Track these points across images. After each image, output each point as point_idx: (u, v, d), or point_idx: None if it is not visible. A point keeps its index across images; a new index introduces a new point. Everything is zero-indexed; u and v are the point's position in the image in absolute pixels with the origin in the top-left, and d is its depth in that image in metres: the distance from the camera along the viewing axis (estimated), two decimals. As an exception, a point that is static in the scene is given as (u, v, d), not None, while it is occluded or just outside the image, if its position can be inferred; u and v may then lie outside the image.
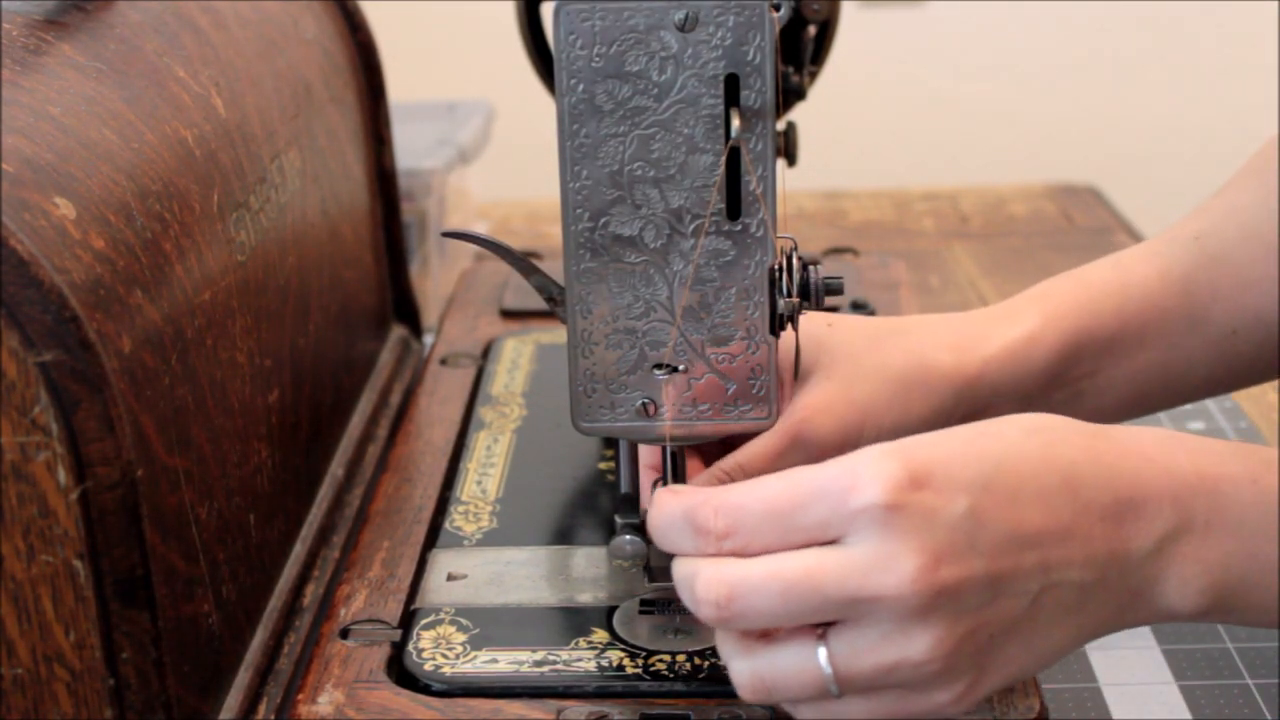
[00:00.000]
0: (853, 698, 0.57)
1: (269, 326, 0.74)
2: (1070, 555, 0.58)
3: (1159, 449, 0.60)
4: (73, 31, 0.67)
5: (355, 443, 0.87)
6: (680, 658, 0.66)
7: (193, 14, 0.76)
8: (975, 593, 0.56)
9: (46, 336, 0.54)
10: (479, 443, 0.84)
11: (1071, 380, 0.73)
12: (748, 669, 0.58)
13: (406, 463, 0.83)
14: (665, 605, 0.69)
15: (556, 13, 0.62)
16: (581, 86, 0.62)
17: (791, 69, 0.87)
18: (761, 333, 0.65)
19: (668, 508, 0.59)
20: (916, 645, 0.56)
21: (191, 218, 0.66)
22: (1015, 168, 2.18)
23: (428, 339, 1.03)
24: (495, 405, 0.88)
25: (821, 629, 0.57)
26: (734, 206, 0.64)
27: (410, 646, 0.67)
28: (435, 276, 1.21)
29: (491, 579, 0.72)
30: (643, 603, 0.70)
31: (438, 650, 0.67)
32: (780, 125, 0.82)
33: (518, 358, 0.94)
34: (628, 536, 0.68)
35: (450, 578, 0.72)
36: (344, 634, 0.68)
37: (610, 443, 0.81)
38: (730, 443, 0.70)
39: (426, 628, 0.68)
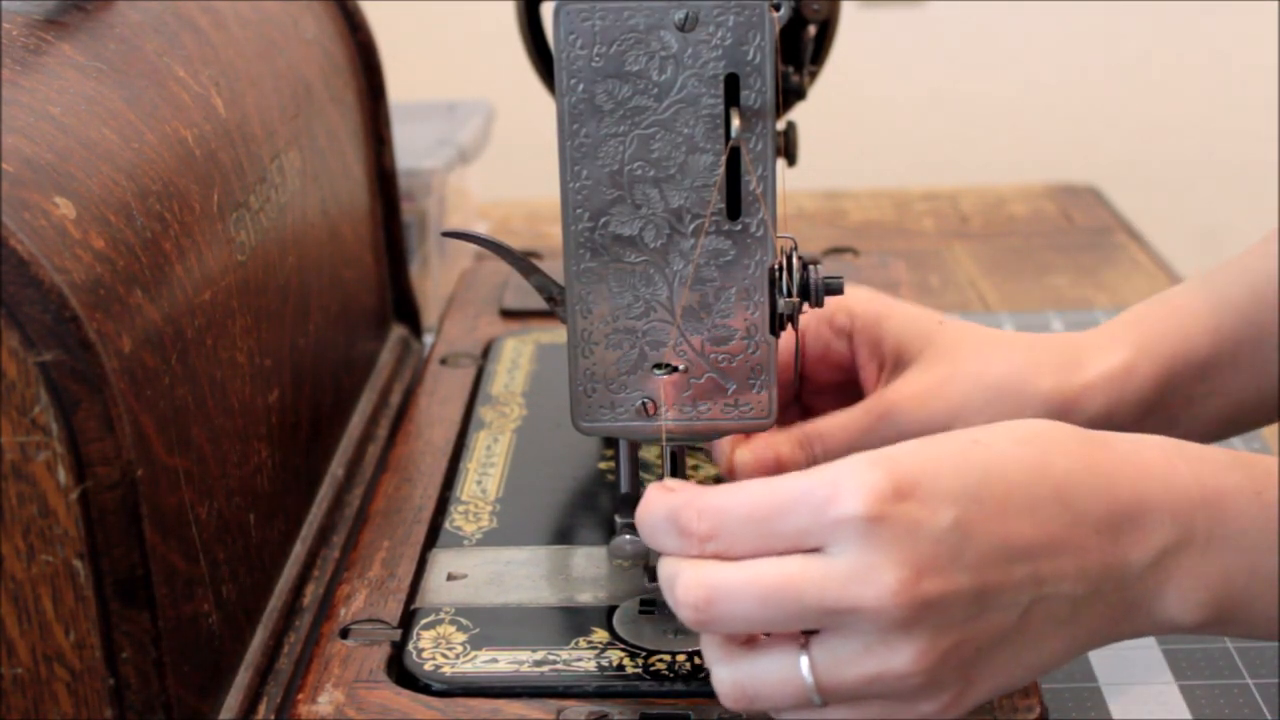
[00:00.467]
0: (836, 707, 0.57)
1: (269, 326, 0.74)
2: (1063, 568, 0.57)
3: (1160, 460, 0.60)
4: (73, 31, 0.67)
5: (355, 442, 0.87)
6: (680, 658, 0.66)
7: (193, 14, 0.76)
8: (960, 606, 0.55)
9: (46, 336, 0.54)
10: (479, 442, 0.84)
11: (1167, 408, 0.72)
12: (729, 676, 0.58)
13: (406, 462, 0.83)
14: (665, 605, 0.69)
15: (556, 13, 0.62)
16: (581, 86, 0.62)
17: (791, 69, 0.87)
18: (761, 333, 0.65)
19: (654, 506, 0.59)
20: (899, 658, 0.55)
21: (191, 218, 0.66)
22: (1015, 168, 2.18)
23: (428, 339, 1.03)
24: (495, 405, 0.88)
25: (805, 637, 0.56)
26: (734, 206, 0.63)
27: (410, 646, 0.67)
28: (435, 276, 1.21)
29: (491, 579, 0.72)
30: (643, 603, 0.70)
31: (438, 650, 0.67)
32: (780, 125, 0.82)
33: (518, 358, 0.94)
34: (628, 536, 0.68)
35: (450, 577, 0.72)
36: (344, 634, 0.68)
37: (610, 443, 0.81)
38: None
39: (426, 627, 0.68)
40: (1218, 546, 0.59)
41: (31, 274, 0.53)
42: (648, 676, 0.65)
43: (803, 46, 0.86)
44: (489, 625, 0.69)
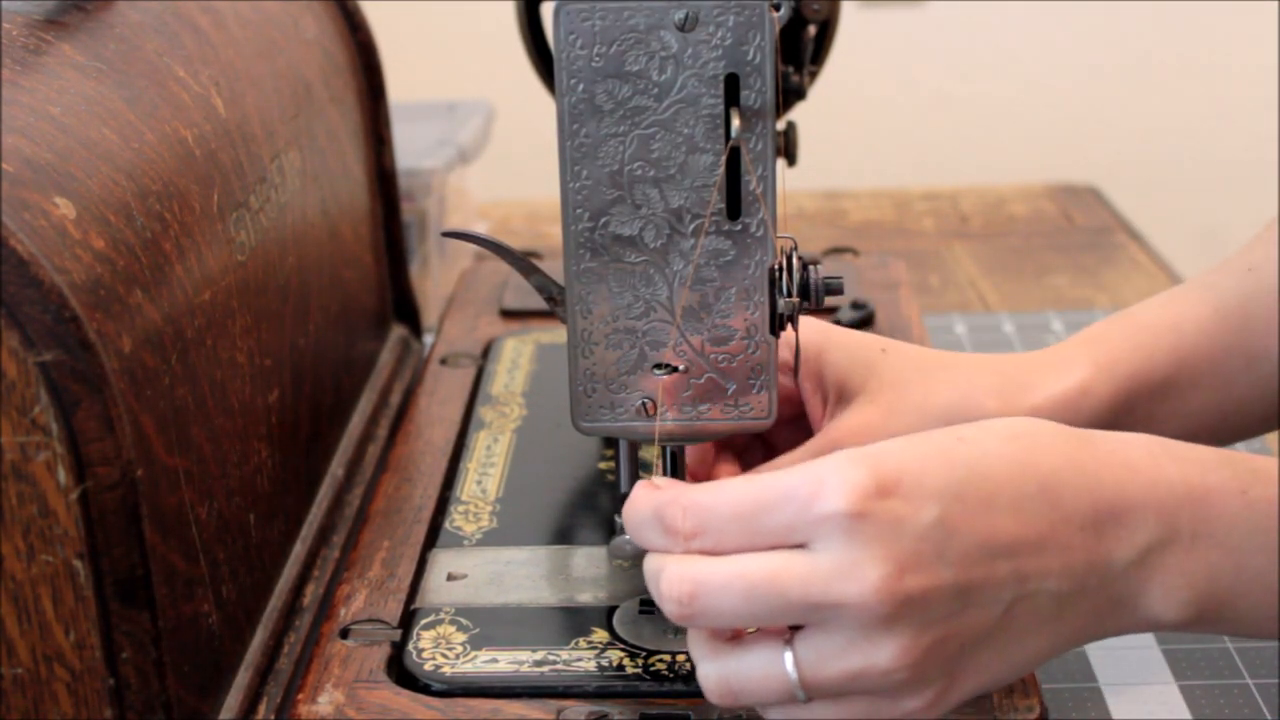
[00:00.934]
0: (820, 703, 0.57)
1: (269, 326, 0.74)
2: (1047, 565, 0.57)
3: (1146, 458, 0.60)
4: (73, 31, 0.67)
5: (355, 443, 0.87)
6: (680, 658, 0.66)
7: (193, 14, 0.76)
8: (943, 603, 0.56)
9: (46, 336, 0.54)
10: (479, 443, 0.84)
11: (1125, 428, 0.70)
12: (715, 671, 0.58)
13: (406, 463, 0.83)
14: (665, 605, 0.69)
15: (556, 13, 0.62)
16: (581, 86, 0.62)
17: (791, 69, 0.87)
18: (761, 333, 0.65)
19: (639, 503, 0.59)
20: (882, 654, 0.55)
21: (191, 218, 0.66)
22: (1015, 168, 2.18)
23: (428, 339, 1.03)
24: (495, 405, 0.88)
25: (790, 633, 0.57)
26: (734, 206, 0.63)
27: (410, 646, 0.67)
28: (435, 276, 1.21)
29: (491, 579, 0.72)
30: (643, 603, 0.70)
31: (438, 650, 0.67)
32: (780, 125, 0.82)
33: (518, 358, 0.94)
34: (628, 536, 0.68)
35: (450, 578, 0.72)
36: (344, 634, 0.68)
37: (610, 443, 0.81)
38: (734, 442, 0.70)
39: (426, 628, 0.68)
40: (1203, 544, 0.59)
41: (31, 274, 0.53)
42: (648, 676, 0.65)
43: (803, 46, 0.86)
44: (489, 625, 0.69)
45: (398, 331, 1.00)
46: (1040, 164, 2.12)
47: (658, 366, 0.65)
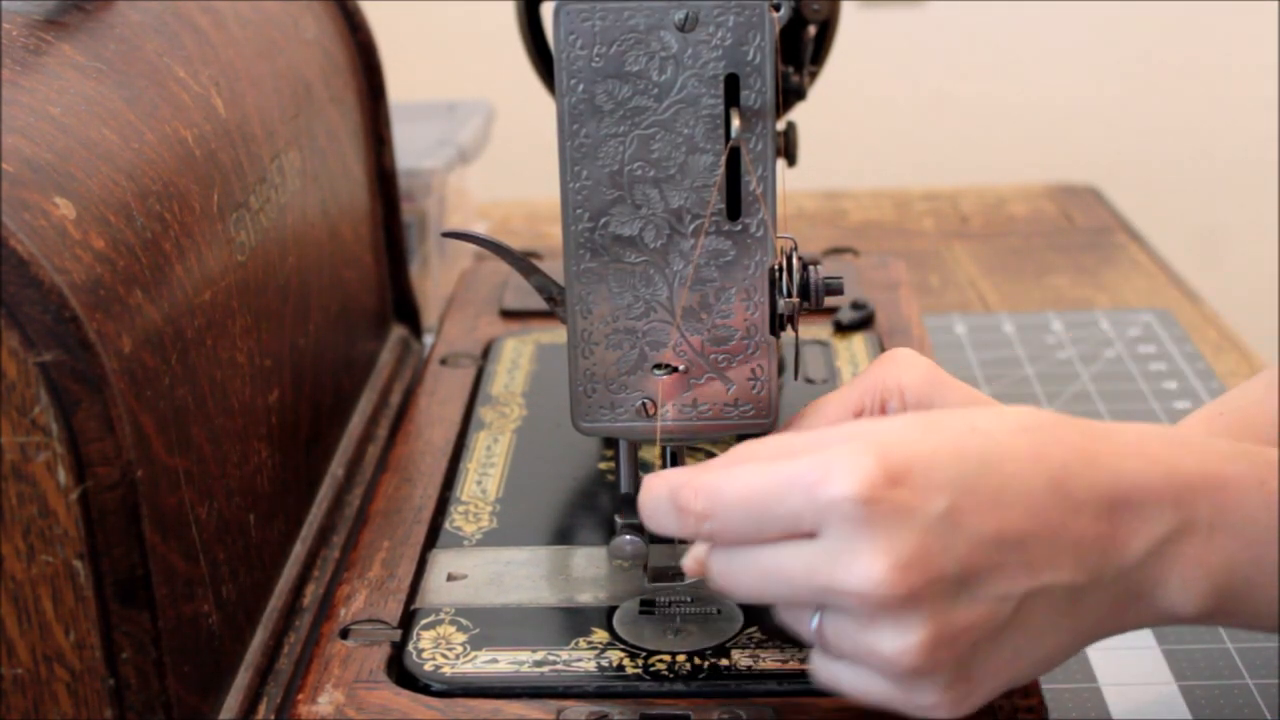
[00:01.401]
0: (846, 665, 0.58)
1: (269, 326, 0.74)
2: (1059, 558, 0.57)
3: (1161, 448, 0.60)
4: (73, 31, 0.67)
5: (355, 443, 0.87)
6: (680, 658, 0.66)
7: (193, 14, 0.76)
8: (949, 595, 0.55)
9: (46, 336, 0.54)
10: (479, 443, 0.84)
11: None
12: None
13: (406, 463, 0.83)
14: (665, 605, 0.69)
15: (556, 13, 0.62)
16: (581, 86, 0.62)
17: (791, 69, 0.87)
18: (761, 333, 0.65)
19: (654, 487, 0.59)
20: (887, 643, 0.55)
21: (191, 218, 0.66)
22: (1015, 168, 2.18)
23: (428, 339, 1.03)
24: (495, 405, 0.88)
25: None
26: (734, 206, 0.64)
27: (410, 646, 0.67)
28: (435, 276, 1.21)
29: (491, 579, 0.72)
30: (643, 603, 0.70)
31: (438, 650, 0.67)
32: (780, 125, 0.82)
33: (518, 358, 0.94)
34: (628, 536, 0.68)
35: (450, 578, 0.72)
36: (344, 634, 0.68)
37: (610, 443, 0.81)
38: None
39: (426, 628, 0.68)
40: (1221, 535, 0.58)
41: (31, 274, 0.53)
42: (648, 676, 0.65)
43: (803, 46, 0.86)
44: (489, 625, 0.69)
45: (398, 331, 1.00)
46: (1040, 164, 2.12)
47: (658, 367, 0.65)
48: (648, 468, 0.79)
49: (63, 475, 0.55)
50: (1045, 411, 0.60)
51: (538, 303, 0.75)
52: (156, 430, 0.59)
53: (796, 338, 0.68)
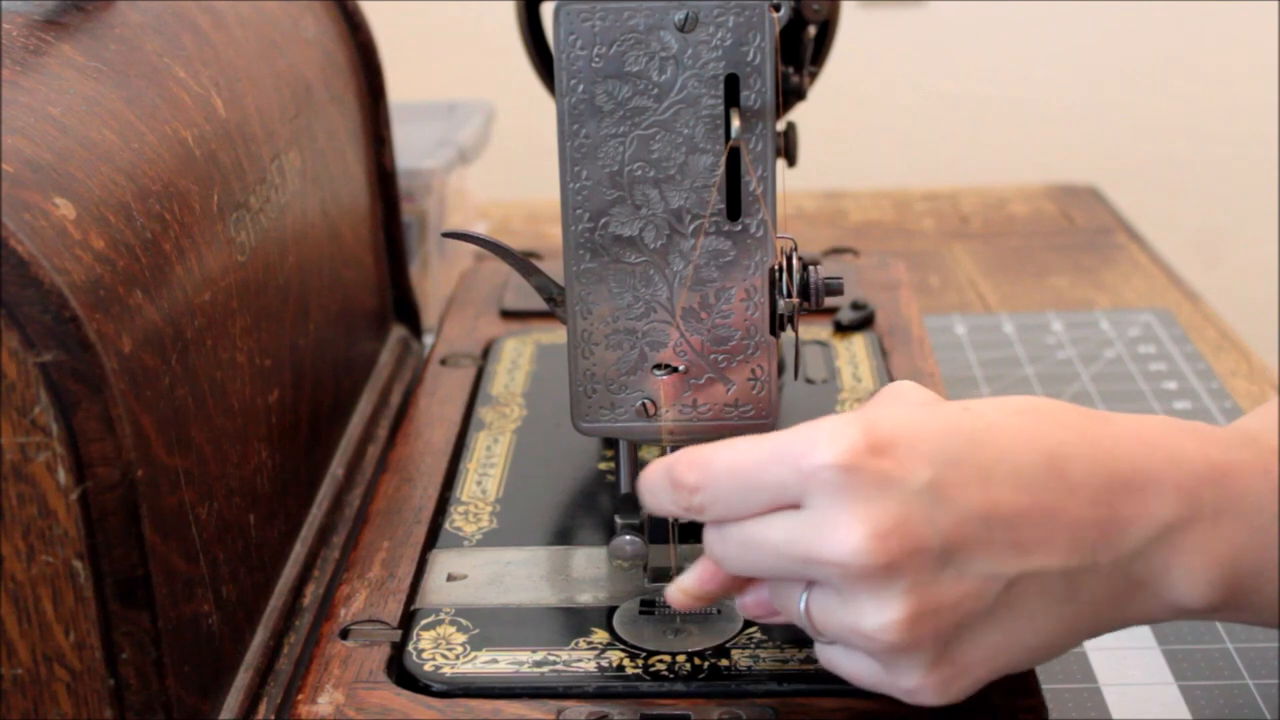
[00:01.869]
0: (839, 648, 0.57)
1: (269, 326, 0.74)
2: (1052, 539, 0.55)
3: (1164, 435, 0.58)
4: (73, 31, 0.67)
5: (355, 443, 0.87)
6: (680, 658, 0.66)
7: (193, 14, 0.76)
8: (930, 568, 0.54)
9: (46, 337, 0.54)
10: (479, 443, 0.84)
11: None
12: (752, 598, 0.60)
13: (406, 463, 0.83)
14: (665, 605, 0.69)
15: (556, 13, 0.62)
16: (581, 87, 0.62)
17: (791, 69, 0.87)
18: (761, 333, 0.65)
19: (653, 467, 0.60)
20: (867, 615, 0.55)
21: (191, 218, 0.66)
22: (1015, 168, 2.18)
23: (428, 339, 1.03)
24: (495, 405, 0.88)
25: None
26: (734, 207, 0.64)
27: (410, 647, 0.67)
28: (435, 276, 1.21)
29: (491, 579, 0.72)
30: (643, 603, 0.70)
31: (438, 650, 0.67)
32: (780, 125, 0.82)
33: (518, 358, 0.94)
34: (628, 536, 0.68)
35: (450, 578, 0.72)
36: (344, 634, 0.68)
37: (610, 443, 0.81)
38: None
39: (426, 628, 0.68)
40: (1227, 523, 0.57)
41: (31, 274, 0.53)
42: (648, 677, 0.65)
43: (803, 47, 0.86)
44: (489, 626, 0.69)
45: (398, 332, 1.00)
46: (1040, 164, 2.12)
47: (658, 367, 0.65)
48: (648, 468, 0.79)
49: (63, 475, 0.55)
50: (1041, 398, 0.60)
51: (538, 303, 0.75)
52: (156, 430, 0.59)
53: (796, 338, 0.68)
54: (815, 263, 0.66)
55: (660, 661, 0.66)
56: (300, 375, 0.79)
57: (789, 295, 0.64)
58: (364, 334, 0.93)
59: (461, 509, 0.78)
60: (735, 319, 0.64)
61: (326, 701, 0.64)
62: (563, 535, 0.76)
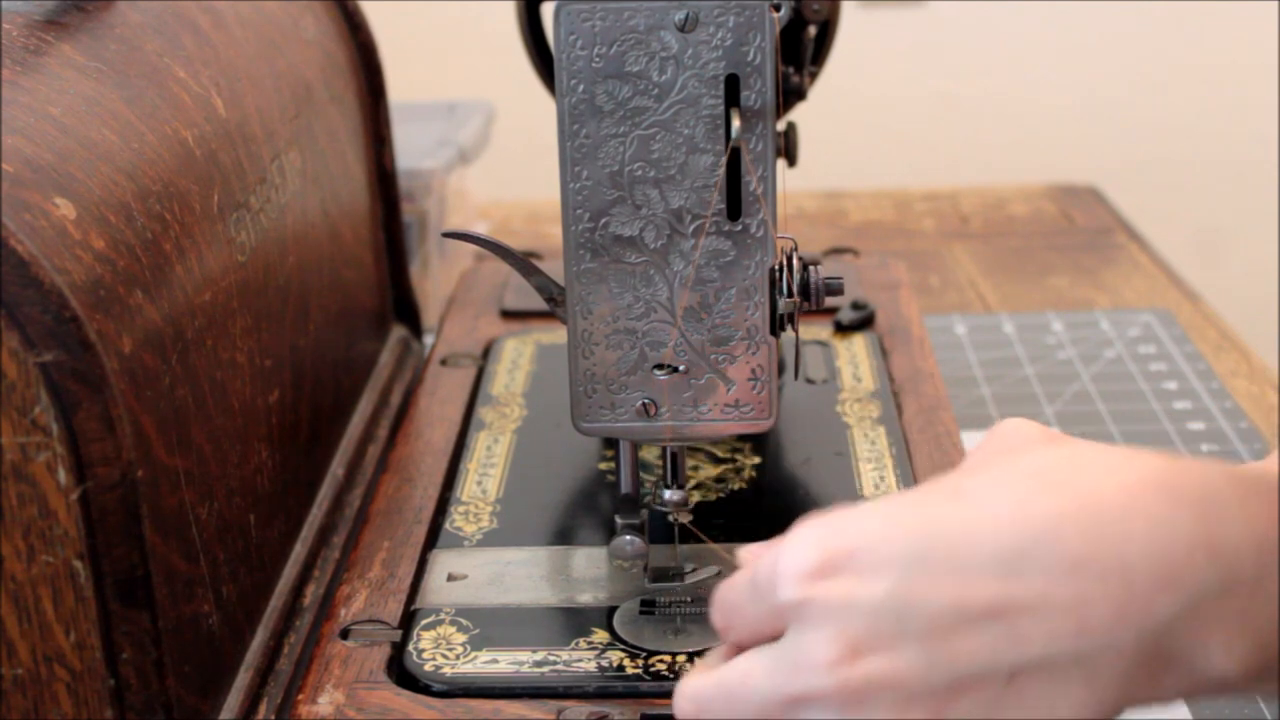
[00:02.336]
0: None
1: (269, 327, 0.74)
2: (1053, 626, 0.51)
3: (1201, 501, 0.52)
4: (73, 31, 0.67)
5: (355, 443, 0.87)
6: (680, 658, 0.66)
7: (193, 14, 0.76)
8: (918, 678, 0.51)
9: (46, 337, 0.54)
10: (479, 443, 0.84)
11: None
12: None
13: (407, 463, 0.83)
14: (665, 605, 0.69)
15: (557, 13, 0.62)
16: (582, 87, 0.62)
17: (791, 69, 0.87)
18: (761, 333, 0.65)
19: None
20: None
21: (191, 218, 0.66)
22: (1015, 168, 2.18)
23: (428, 339, 1.03)
24: (495, 405, 0.88)
25: None
26: (734, 207, 0.64)
27: (410, 647, 0.67)
28: (435, 277, 1.21)
29: (491, 579, 0.72)
30: (643, 603, 0.70)
31: (438, 650, 0.67)
32: (780, 125, 0.82)
33: (518, 358, 0.94)
34: (628, 537, 0.68)
35: (450, 578, 0.72)
36: (344, 634, 0.68)
37: (610, 443, 0.81)
38: None
39: (427, 628, 0.68)
40: (1267, 587, 0.52)
41: (31, 274, 0.53)
42: (648, 677, 0.65)
43: (803, 47, 0.86)
44: (489, 626, 0.69)
45: (398, 332, 1.00)
46: (1040, 164, 2.12)
47: (658, 367, 0.65)
48: (648, 468, 0.79)
49: (63, 475, 0.55)
50: (1047, 449, 0.54)
51: (538, 303, 0.75)
52: (156, 430, 0.59)
53: (796, 338, 0.68)
54: (815, 263, 0.66)
55: (660, 661, 0.66)
56: (300, 375, 0.79)
57: (789, 295, 0.64)
58: (364, 334, 0.93)
59: (462, 509, 0.78)
60: (735, 319, 0.64)
61: (327, 701, 0.64)
62: (563, 535, 0.76)
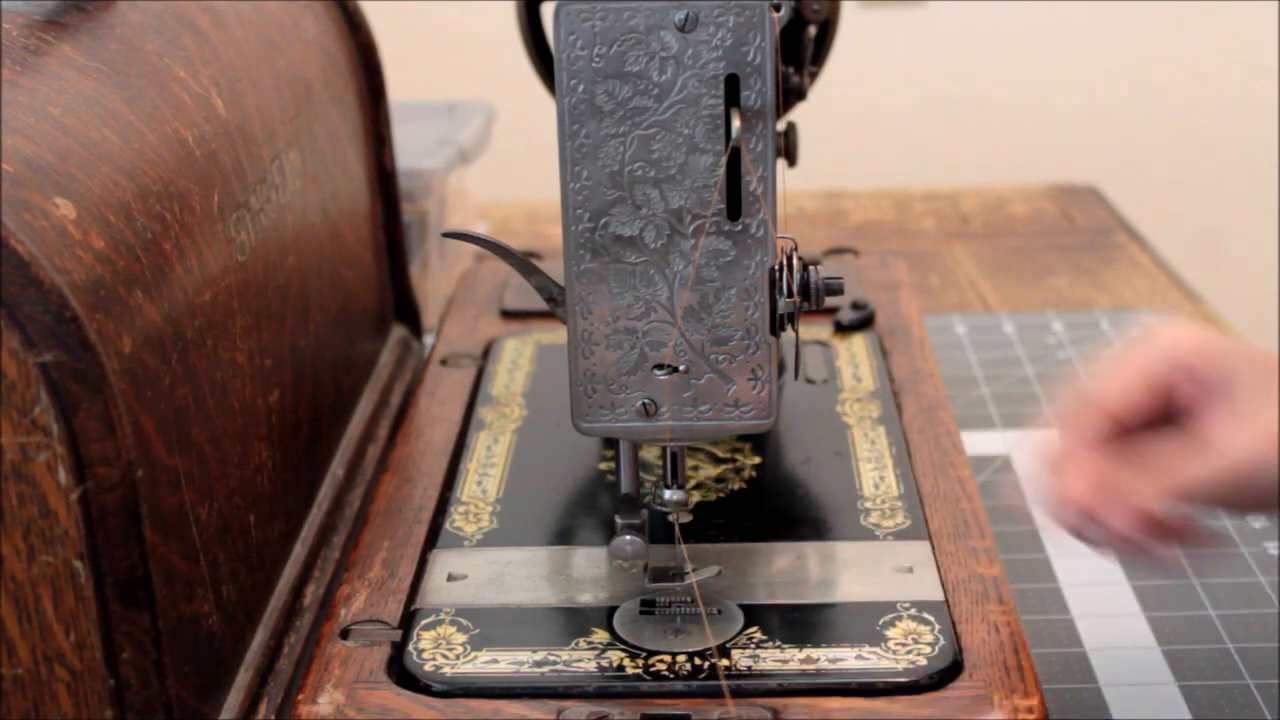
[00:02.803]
0: None
1: (269, 327, 0.74)
2: None
3: None
4: (73, 31, 0.67)
5: (355, 443, 0.87)
6: (680, 658, 0.66)
7: (193, 14, 0.76)
8: None
9: (47, 337, 0.54)
10: (479, 443, 0.84)
11: None
12: None
13: (407, 463, 0.83)
14: (665, 605, 0.69)
15: (557, 13, 0.62)
16: (582, 87, 0.62)
17: (791, 69, 0.87)
18: (761, 333, 0.65)
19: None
20: None
21: (191, 218, 0.66)
22: (1015, 168, 2.18)
23: (428, 339, 1.03)
24: (495, 405, 0.88)
25: None
26: (734, 207, 0.64)
27: (410, 647, 0.67)
28: (435, 276, 1.21)
29: (491, 579, 0.72)
30: (643, 603, 0.70)
31: (438, 650, 0.67)
32: (780, 125, 0.82)
33: (518, 358, 0.94)
34: (628, 536, 0.68)
35: (450, 578, 0.72)
36: (344, 634, 0.68)
37: (610, 443, 0.81)
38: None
39: (427, 628, 0.68)
40: None
41: (32, 274, 0.53)
42: (648, 677, 0.65)
43: (803, 47, 0.86)
44: (489, 626, 0.69)
45: (398, 332, 1.00)
46: (1040, 164, 2.12)
47: (658, 367, 0.65)
48: (648, 468, 0.79)
49: (63, 475, 0.55)
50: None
51: (538, 303, 0.75)
52: (156, 430, 0.59)
53: (797, 338, 0.68)
54: (815, 263, 0.66)
55: (660, 661, 0.66)
56: (300, 375, 0.79)
57: (789, 295, 0.64)
58: (364, 334, 0.93)
59: (462, 509, 0.78)
60: (735, 319, 0.64)
61: (327, 701, 0.64)
62: (563, 535, 0.76)
